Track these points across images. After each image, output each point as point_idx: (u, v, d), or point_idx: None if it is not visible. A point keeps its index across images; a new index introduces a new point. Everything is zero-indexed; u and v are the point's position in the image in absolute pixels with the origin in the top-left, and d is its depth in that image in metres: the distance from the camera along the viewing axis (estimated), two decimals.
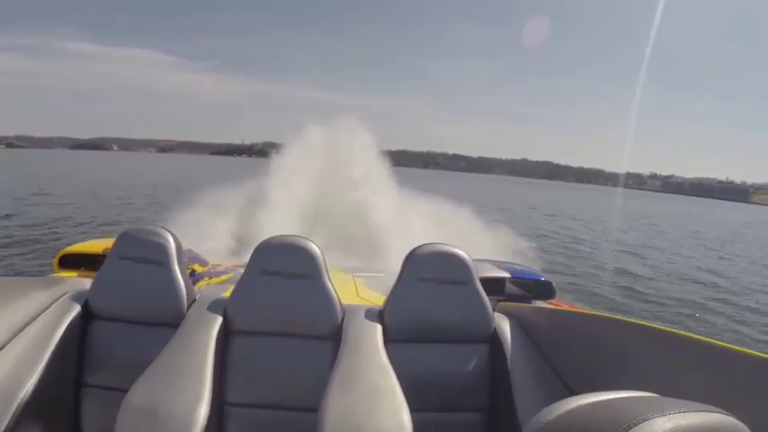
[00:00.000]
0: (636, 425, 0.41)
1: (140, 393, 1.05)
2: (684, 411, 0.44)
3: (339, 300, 1.43)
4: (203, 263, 2.48)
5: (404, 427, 1.00)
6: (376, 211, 6.31)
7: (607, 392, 0.50)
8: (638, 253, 11.69)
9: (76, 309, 1.38)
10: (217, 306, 1.41)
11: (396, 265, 1.53)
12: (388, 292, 1.50)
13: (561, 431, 0.46)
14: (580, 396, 0.49)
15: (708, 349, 0.98)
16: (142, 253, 1.43)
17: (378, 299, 1.90)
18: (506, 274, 2.10)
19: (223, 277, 2.41)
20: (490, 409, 1.42)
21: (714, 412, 0.46)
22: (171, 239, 1.46)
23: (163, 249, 1.43)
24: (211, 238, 5.43)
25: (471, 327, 1.44)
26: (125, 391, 1.06)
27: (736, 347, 0.93)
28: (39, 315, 1.33)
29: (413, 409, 1.05)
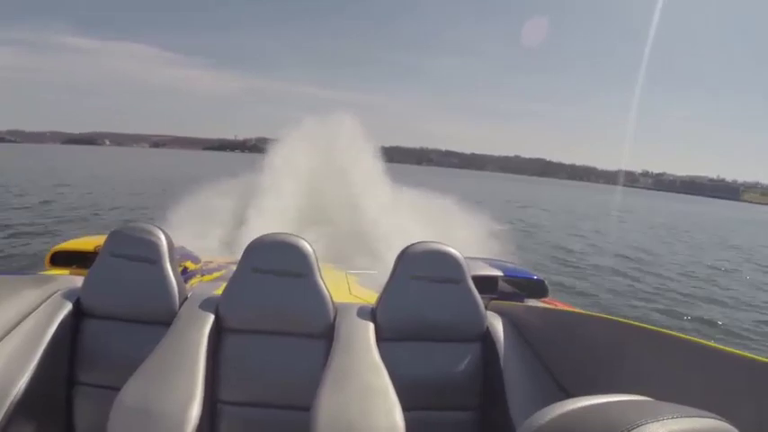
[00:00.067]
0: (629, 430, 0.42)
1: (133, 392, 1.05)
2: (677, 417, 0.44)
3: (331, 298, 1.44)
4: (195, 260, 2.47)
5: (396, 426, 1.01)
6: (369, 206, 6.30)
7: (601, 396, 0.51)
8: (586, 236, 13.62)
9: (68, 307, 1.38)
10: (209, 304, 1.41)
11: (388, 263, 1.54)
12: (380, 289, 1.50)
13: None
14: (574, 399, 0.50)
15: (699, 350, 0.99)
16: (134, 251, 1.42)
17: (370, 296, 1.91)
18: (499, 273, 2.11)
19: (215, 274, 2.40)
20: (482, 407, 1.43)
21: (707, 417, 0.46)
22: (162, 237, 1.45)
23: (154, 247, 1.43)
24: (203, 235, 5.38)
25: (463, 325, 1.45)
26: (117, 389, 1.06)
27: (729, 349, 0.94)
28: (30, 313, 1.32)
29: (405, 408, 1.06)
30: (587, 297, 6.82)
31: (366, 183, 6.91)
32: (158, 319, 1.38)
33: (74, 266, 2.10)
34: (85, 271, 1.45)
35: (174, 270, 1.45)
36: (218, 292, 1.47)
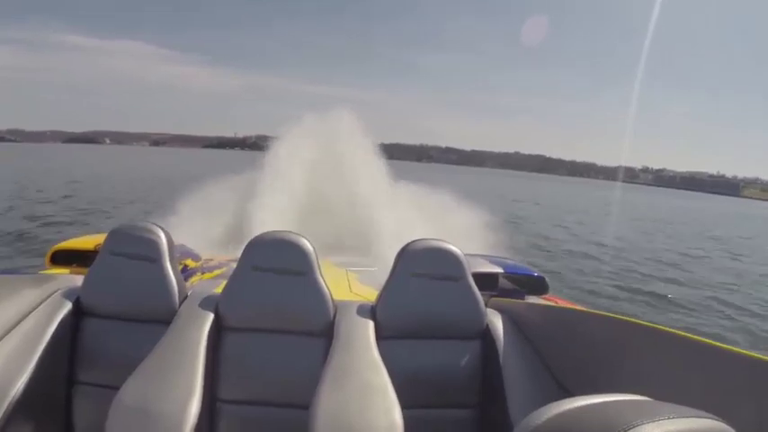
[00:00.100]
0: (626, 431, 0.42)
1: (132, 390, 1.05)
2: (675, 417, 0.44)
3: (331, 296, 1.43)
4: (196, 258, 2.47)
5: (395, 424, 1.00)
6: (370, 203, 6.32)
7: (599, 395, 0.51)
8: (568, 227, 14.39)
9: (68, 306, 1.38)
10: (209, 302, 1.41)
11: (388, 258, 1.53)
12: (380, 287, 1.50)
13: None
14: (571, 399, 0.49)
15: (700, 348, 0.98)
16: (134, 249, 1.42)
17: (371, 294, 1.91)
18: (499, 270, 2.11)
19: (216, 272, 2.41)
20: (481, 405, 1.43)
21: (704, 417, 0.46)
22: (162, 235, 1.45)
23: (154, 245, 1.42)
24: (204, 233, 5.39)
25: (463, 322, 1.45)
26: (117, 388, 1.06)
27: (730, 347, 0.94)
28: (30, 312, 1.32)
29: (404, 406, 1.06)
30: (552, 275, 6.94)
31: (365, 175, 6.94)
32: (158, 317, 1.38)
33: (74, 265, 2.10)
34: (86, 270, 1.45)
35: (173, 268, 1.45)
36: (219, 290, 1.47)
